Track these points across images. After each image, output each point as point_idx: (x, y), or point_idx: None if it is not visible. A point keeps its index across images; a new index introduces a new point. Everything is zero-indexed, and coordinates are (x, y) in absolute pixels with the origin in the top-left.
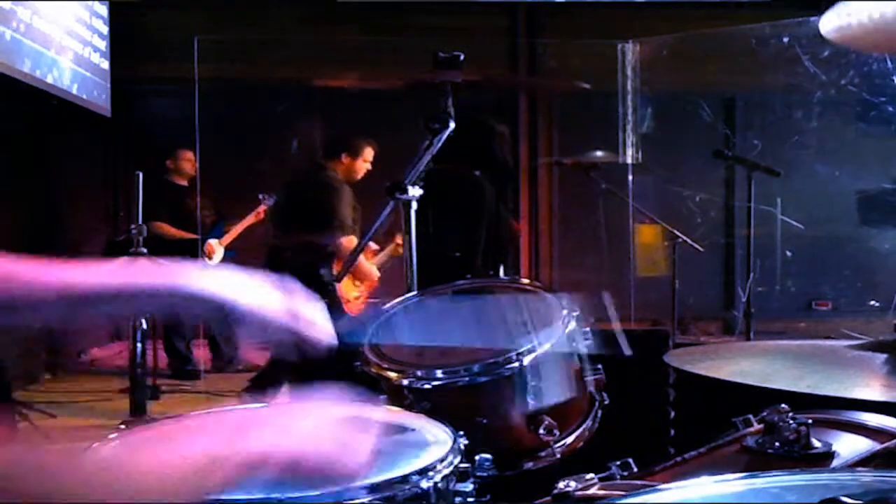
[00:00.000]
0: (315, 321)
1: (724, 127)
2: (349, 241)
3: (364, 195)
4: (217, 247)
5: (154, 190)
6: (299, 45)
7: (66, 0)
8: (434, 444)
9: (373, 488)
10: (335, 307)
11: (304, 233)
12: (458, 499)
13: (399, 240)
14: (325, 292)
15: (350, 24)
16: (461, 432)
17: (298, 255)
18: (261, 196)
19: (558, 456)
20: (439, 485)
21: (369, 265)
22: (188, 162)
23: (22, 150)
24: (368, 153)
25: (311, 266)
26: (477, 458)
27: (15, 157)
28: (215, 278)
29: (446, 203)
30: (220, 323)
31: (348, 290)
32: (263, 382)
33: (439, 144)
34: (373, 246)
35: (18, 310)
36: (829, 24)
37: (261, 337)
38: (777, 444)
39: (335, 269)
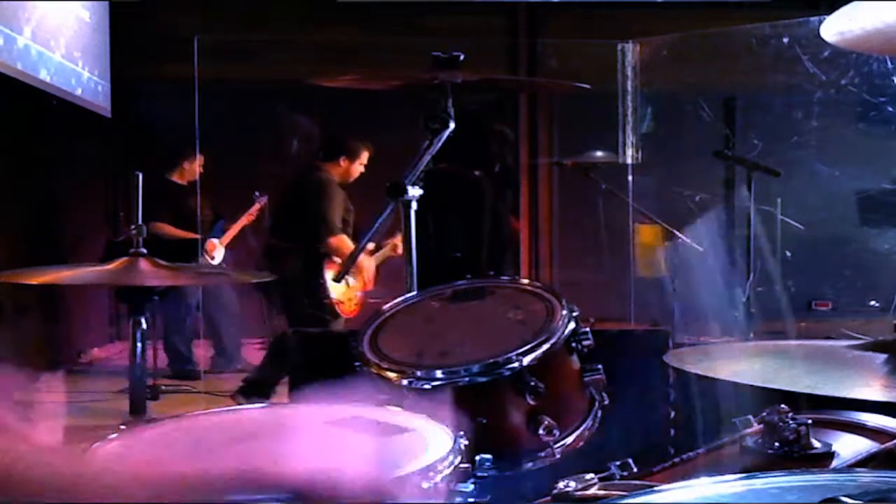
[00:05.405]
0: None
1: (724, 127)
2: (338, 241)
3: (364, 195)
4: (218, 246)
5: (154, 189)
6: (299, 45)
7: (66, 0)
8: (434, 444)
9: None
10: (330, 309)
11: (296, 233)
12: (458, 499)
13: (397, 240)
14: (322, 294)
15: (350, 24)
16: (461, 432)
17: (293, 255)
18: (255, 195)
19: (558, 456)
20: (439, 485)
21: (369, 262)
22: (197, 164)
23: (22, 150)
24: (365, 156)
25: (308, 267)
26: (477, 458)
27: (15, 157)
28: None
29: (446, 203)
30: None
31: (341, 291)
32: (258, 382)
33: (439, 144)
34: (369, 246)
35: None
36: (832, 28)
37: None
38: (777, 444)
39: (329, 269)
